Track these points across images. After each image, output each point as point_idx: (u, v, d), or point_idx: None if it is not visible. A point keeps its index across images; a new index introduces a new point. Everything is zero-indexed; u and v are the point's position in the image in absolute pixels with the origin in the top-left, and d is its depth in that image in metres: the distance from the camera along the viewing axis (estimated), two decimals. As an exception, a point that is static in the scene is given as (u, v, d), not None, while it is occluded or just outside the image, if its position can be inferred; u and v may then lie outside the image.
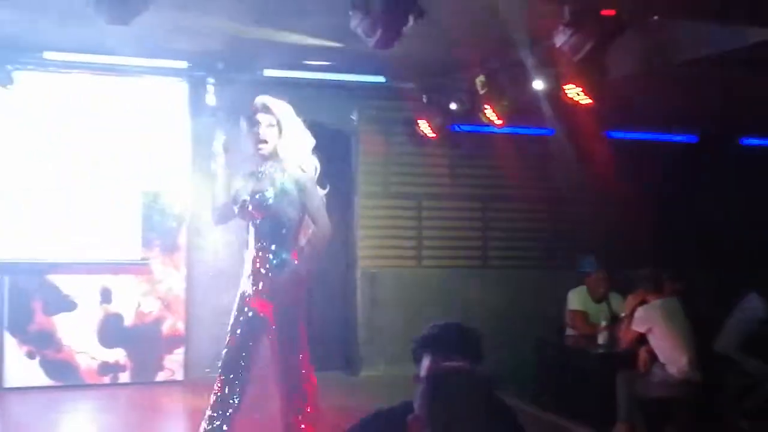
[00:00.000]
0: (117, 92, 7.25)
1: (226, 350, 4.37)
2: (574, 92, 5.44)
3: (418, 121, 7.79)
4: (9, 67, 6.53)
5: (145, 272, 7.36)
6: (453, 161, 8.35)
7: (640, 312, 5.78)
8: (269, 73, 7.36)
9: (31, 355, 6.99)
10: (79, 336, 7.13)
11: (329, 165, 7.94)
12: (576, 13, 4.33)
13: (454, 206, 8.38)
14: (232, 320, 4.37)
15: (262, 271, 4.16)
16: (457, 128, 7.86)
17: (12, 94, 6.72)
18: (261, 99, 4.32)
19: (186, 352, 7.50)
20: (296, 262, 4.18)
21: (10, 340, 6.95)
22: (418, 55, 6.37)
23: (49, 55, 6.72)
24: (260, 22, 6.08)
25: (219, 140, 4.42)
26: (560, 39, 4.45)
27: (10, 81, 6.61)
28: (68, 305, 7.12)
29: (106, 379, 7.23)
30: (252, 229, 4.21)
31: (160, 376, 7.39)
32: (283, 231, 4.15)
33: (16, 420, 6.38)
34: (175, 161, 7.47)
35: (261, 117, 4.24)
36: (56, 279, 7.10)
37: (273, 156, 4.21)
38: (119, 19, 3.94)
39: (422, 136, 7.90)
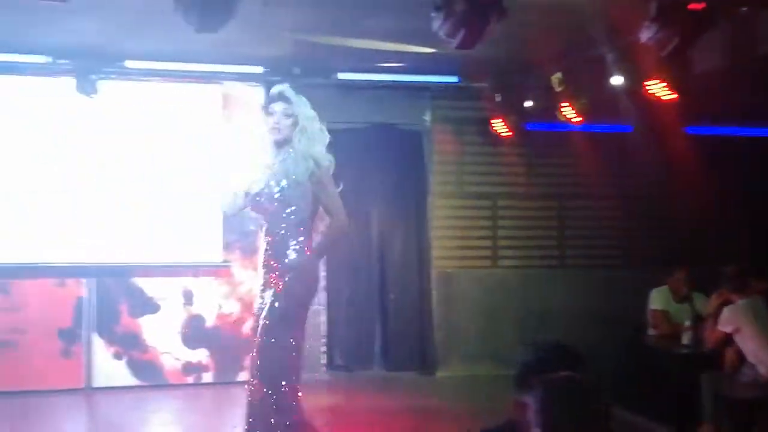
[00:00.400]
0: (195, 98, 7.42)
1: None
2: (658, 88, 5.33)
3: (492, 120, 7.76)
4: (93, 76, 6.73)
5: (226, 274, 7.51)
6: (528, 160, 8.27)
7: (726, 312, 5.64)
8: (343, 76, 7.42)
9: (118, 356, 7.22)
10: (163, 337, 7.33)
11: (402, 165, 8.10)
12: (663, 8, 4.23)
13: (530, 205, 8.31)
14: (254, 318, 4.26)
15: (273, 263, 4.04)
16: (531, 126, 7.80)
17: (95, 102, 6.93)
18: (278, 88, 4.24)
19: (265, 352, 7.60)
20: (308, 254, 4.06)
21: (98, 341, 7.19)
22: (493, 53, 6.35)
23: (130, 63, 6.91)
24: (335, 26, 6.16)
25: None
26: (646, 34, 4.35)
27: (95, 90, 6.81)
28: (152, 307, 7.32)
29: (190, 379, 7.41)
30: (265, 222, 4.14)
31: (242, 376, 7.52)
32: (294, 223, 4.03)
33: (106, 419, 6.60)
34: (252, 165, 7.58)
35: (277, 106, 4.16)
36: (141, 282, 7.31)
37: (287, 146, 4.14)
38: (208, 27, 4.02)
39: (496, 135, 7.86)
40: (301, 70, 7.16)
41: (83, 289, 7.15)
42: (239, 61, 7.08)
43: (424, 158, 8.13)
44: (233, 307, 7.54)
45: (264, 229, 4.12)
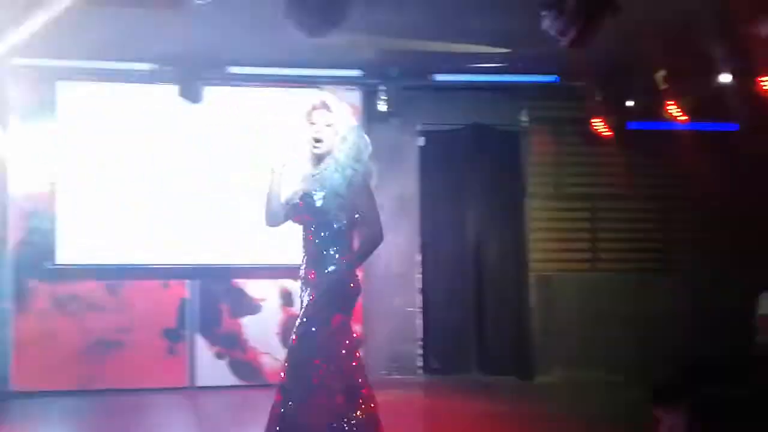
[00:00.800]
0: (293, 102, 7.51)
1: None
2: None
3: (592, 119, 7.59)
4: (198, 83, 6.89)
5: (323, 276, 7.56)
6: (629, 160, 8.00)
7: None
8: (440, 77, 7.39)
9: (220, 356, 7.38)
10: (262, 338, 7.45)
11: (499, 166, 8.00)
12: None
13: (631, 207, 8.06)
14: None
15: (310, 277, 3.93)
16: (633, 126, 7.58)
17: (199, 108, 7.10)
18: (321, 96, 4.06)
19: (362, 353, 7.63)
20: (348, 268, 3.93)
21: (201, 342, 7.37)
22: (593, 51, 6.20)
23: (233, 69, 7.05)
24: (432, 28, 6.13)
25: (281, 139, 4.13)
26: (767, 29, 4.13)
27: (199, 97, 6.97)
28: (253, 308, 7.46)
29: (288, 380, 7.50)
30: (304, 233, 3.99)
31: (338, 378, 7.58)
32: (333, 234, 3.91)
33: (209, 417, 6.75)
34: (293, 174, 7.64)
35: (318, 115, 3.99)
36: (241, 283, 7.46)
37: (328, 156, 3.97)
38: (318, 32, 4.04)
39: (596, 135, 7.68)
40: (398, 72, 7.16)
41: (186, 290, 7.35)
42: (337, 64, 7.13)
43: (522, 159, 8.01)
44: (330, 309, 7.59)
45: (303, 239, 3.98)
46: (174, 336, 7.32)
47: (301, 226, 3.99)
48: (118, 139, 7.14)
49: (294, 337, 3.93)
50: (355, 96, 7.60)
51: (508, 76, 7.56)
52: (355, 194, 3.91)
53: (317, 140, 3.95)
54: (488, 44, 6.50)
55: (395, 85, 7.26)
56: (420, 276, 7.92)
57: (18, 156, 7.15)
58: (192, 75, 6.84)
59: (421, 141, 7.92)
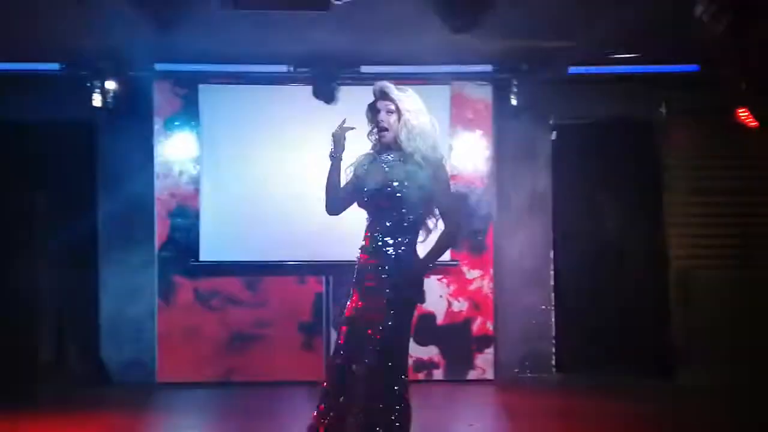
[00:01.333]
0: (422, 100, 7.51)
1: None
2: None
3: (737, 110, 7.22)
4: (333, 84, 6.99)
5: (455, 272, 7.56)
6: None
7: None
8: (573, 70, 7.21)
9: (353, 350, 7.49)
10: (395, 333, 7.49)
11: (636, 160, 7.74)
12: None
13: (779, 201, 7.65)
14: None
15: (375, 263, 3.88)
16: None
17: (332, 108, 7.20)
18: (379, 84, 4.03)
19: (495, 352, 7.60)
20: (414, 257, 3.91)
21: (334, 336, 7.48)
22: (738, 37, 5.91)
23: (365, 68, 7.13)
24: (563, 17, 5.99)
25: (341, 126, 4.08)
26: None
27: (335, 99, 7.05)
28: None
29: (421, 376, 7.54)
30: (371, 222, 3.95)
31: (472, 375, 7.56)
32: (406, 225, 3.89)
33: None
34: (478, 163, 7.62)
35: (380, 104, 3.97)
36: (374, 279, 7.53)
37: (394, 144, 3.95)
38: (464, 28, 4.03)
39: (741, 126, 7.30)
40: (530, 66, 7.04)
41: (321, 285, 7.49)
42: (468, 60, 7.09)
43: (660, 152, 7.70)
44: (462, 306, 7.58)
45: (369, 227, 3.96)
46: (310, 330, 7.49)
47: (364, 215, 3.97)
48: (257, 139, 7.33)
49: (351, 318, 3.92)
50: (486, 91, 7.56)
51: (645, 66, 7.30)
52: (437, 184, 3.89)
53: (381, 129, 3.95)
54: (621, 31, 6.29)
55: (527, 79, 7.14)
56: (553, 273, 7.77)
57: (163, 158, 7.50)
58: (327, 75, 6.95)
59: (553, 135, 7.76)
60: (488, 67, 7.29)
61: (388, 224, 3.89)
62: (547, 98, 7.48)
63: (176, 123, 7.51)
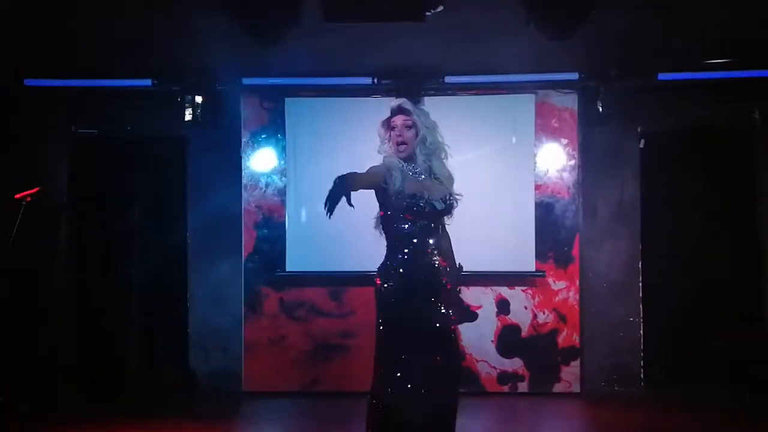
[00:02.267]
0: (505, 108, 7.47)
1: None
2: None
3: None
4: (417, 94, 6.98)
5: (541, 284, 7.46)
6: None
7: None
8: (662, 77, 7.04)
9: (437, 362, 7.45)
10: (478, 345, 7.44)
11: (729, 167, 7.48)
12: None
13: None
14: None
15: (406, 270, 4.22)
16: None
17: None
18: (397, 101, 4.31)
19: (582, 364, 7.45)
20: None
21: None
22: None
23: (450, 79, 7.12)
24: (655, 23, 5.88)
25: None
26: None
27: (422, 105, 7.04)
28: (469, 315, 7.44)
29: (506, 388, 7.45)
30: (402, 230, 4.24)
31: (557, 388, 7.43)
32: (432, 230, 4.25)
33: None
34: (563, 173, 7.50)
35: (398, 119, 4.23)
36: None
37: (409, 158, 4.23)
38: (562, 35, 4.03)
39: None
40: (619, 73, 6.91)
41: (404, 296, 7.47)
42: (555, 68, 7.01)
43: (753, 160, 7.43)
44: (548, 317, 7.47)
45: (399, 236, 4.25)
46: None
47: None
48: (341, 151, 7.37)
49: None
50: (572, 99, 7.45)
51: (737, 72, 7.07)
52: (447, 205, 4.25)
53: (400, 143, 4.20)
54: (715, 35, 6.13)
55: (615, 86, 7.00)
56: (642, 284, 7.57)
57: (250, 170, 7.64)
58: (410, 86, 6.97)
59: (642, 143, 7.57)
60: (575, 75, 7.18)
61: (423, 235, 4.21)
62: (636, 106, 7.32)
63: (263, 136, 7.64)
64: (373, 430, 4.24)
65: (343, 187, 3.97)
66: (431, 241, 4.25)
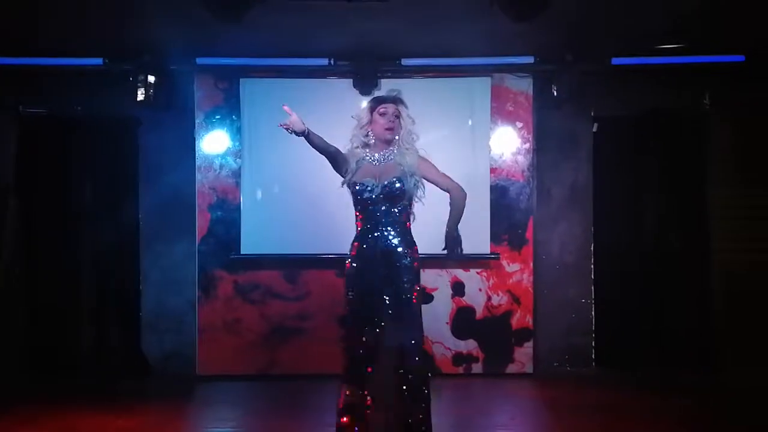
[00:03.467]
0: (461, 92, 7.49)
1: None
2: None
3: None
4: (373, 76, 6.98)
5: (495, 266, 7.53)
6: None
7: None
8: (616, 61, 7.11)
9: (393, 344, 7.48)
10: (434, 327, 7.47)
11: (680, 153, 7.60)
12: None
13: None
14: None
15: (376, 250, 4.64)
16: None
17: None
18: (395, 91, 4.78)
19: (535, 345, 7.55)
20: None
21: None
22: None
23: (406, 61, 7.10)
24: (610, 7, 5.93)
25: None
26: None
27: (374, 91, 7.00)
28: (425, 298, 7.49)
29: (460, 369, 7.52)
30: (368, 212, 4.67)
31: (511, 368, 7.52)
32: (403, 212, 4.68)
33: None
34: (518, 156, 7.56)
35: (389, 107, 4.67)
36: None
37: (390, 143, 4.69)
38: (527, 16, 4.09)
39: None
40: (574, 57, 6.96)
41: (360, 279, 7.47)
42: (509, 51, 7.03)
43: (705, 146, 7.55)
44: (502, 299, 7.54)
45: (369, 216, 4.67)
46: (348, 324, 7.48)
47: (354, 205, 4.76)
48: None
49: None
50: (527, 83, 7.50)
51: (690, 57, 7.18)
52: (424, 170, 4.68)
53: (389, 128, 4.65)
54: (668, 20, 6.20)
55: (570, 70, 7.05)
56: (594, 266, 7.69)
57: (203, 152, 7.54)
58: (367, 68, 6.94)
59: (595, 127, 7.66)
60: (530, 59, 7.23)
61: (393, 210, 4.65)
62: (589, 90, 7.37)
63: (217, 117, 7.56)
64: (347, 379, 4.70)
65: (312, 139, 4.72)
66: (389, 222, 4.65)
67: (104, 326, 7.62)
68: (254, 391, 7.18)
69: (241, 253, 7.47)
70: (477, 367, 7.53)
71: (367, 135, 4.73)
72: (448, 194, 4.79)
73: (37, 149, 7.56)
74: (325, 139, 4.72)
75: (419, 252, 4.78)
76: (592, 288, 7.66)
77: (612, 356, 7.64)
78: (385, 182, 4.62)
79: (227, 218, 7.54)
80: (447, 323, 7.53)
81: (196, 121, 7.53)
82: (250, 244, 7.46)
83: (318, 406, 6.40)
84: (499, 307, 7.54)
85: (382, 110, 4.67)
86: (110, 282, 7.64)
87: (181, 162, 7.55)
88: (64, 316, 7.52)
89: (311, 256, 7.46)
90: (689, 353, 7.50)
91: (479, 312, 7.54)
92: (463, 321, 7.53)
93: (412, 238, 4.75)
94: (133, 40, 6.80)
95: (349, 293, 4.71)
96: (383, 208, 4.65)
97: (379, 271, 4.62)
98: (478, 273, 7.53)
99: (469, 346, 7.53)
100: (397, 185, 4.62)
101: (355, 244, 4.73)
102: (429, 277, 7.42)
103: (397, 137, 4.67)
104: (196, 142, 7.54)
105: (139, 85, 7.05)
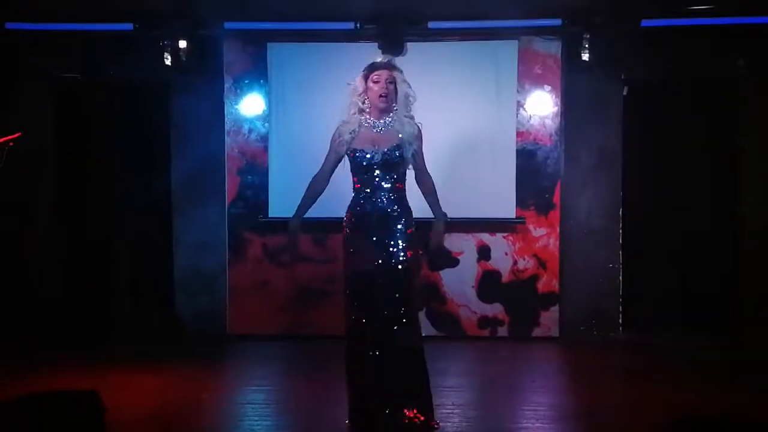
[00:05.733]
0: (487, 55, 7.43)
1: None
2: None
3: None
4: (399, 39, 6.95)
5: (521, 230, 7.53)
6: None
7: None
8: (648, 23, 6.98)
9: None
10: (460, 290, 7.55)
11: (713, 118, 7.47)
12: None
13: None
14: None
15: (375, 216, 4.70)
16: None
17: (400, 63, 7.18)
18: (385, 57, 4.76)
19: (561, 310, 7.57)
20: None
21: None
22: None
23: (433, 24, 7.07)
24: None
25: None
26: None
27: (401, 53, 6.99)
28: (451, 261, 7.55)
29: (486, 332, 7.58)
30: (365, 178, 4.70)
31: (536, 332, 7.56)
32: (398, 180, 4.70)
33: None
34: (546, 120, 7.51)
35: (384, 73, 4.61)
36: (440, 236, 7.55)
37: (386, 111, 4.64)
38: None
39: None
40: (603, 20, 6.86)
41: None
42: (538, 14, 6.96)
43: (737, 110, 7.40)
44: (528, 264, 7.55)
45: (367, 183, 4.71)
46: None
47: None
48: (324, 97, 7.33)
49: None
50: (555, 46, 7.42)
51: (723, 18, 7.01)
52: (418, 144, 4.70)
53: (382, 96, 4.59)
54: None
55: (599, 32, 6.96)
56: (622, 232, 7.65)
57: (233, 116, 7.63)
58: (393, 32, 6.93)
59: (625, 91, 7.55)
60: (558, 21, 7.14)
61: (388, 177, 4.66)
62: (620, 53, 7.27)
63: (246, 81, 7.61)
64: (350, 349, 4.94)
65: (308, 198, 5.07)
66: (385, 188, 4.69)
67: (138, 288, 7.82)
68: (283, 351, 7.34)
69: (270, 216, 7.58)
70: (502, 331, 7.58)
71: (363, 102, 4.70)
72: (421, 187, 4.89)
73: (71, 114, 7.72)
74: None
75: (415, 217, 4.86)
76: (620, 252, 7.63)
77: (640, 321, 7.63)
78: (385, 149, 4.64)
79: (256, 182, 7.64)
80: (473, 287, 7.58)
81: (225, 85, 7.60)
82: (278, 207, 7.54)
83: (344, 368, 6.51)
84: (525, 271, 7.56)
85: (375, 77, 4.64)
86: (144, 245, 7.82)
87: (211, 126, 7.65)
88: (100, 279, 7.73)
89: (339, 219, 7.50)
90: (718, 318, 7.45)
91: (505, 276, 7.57)
92: (488, 285, 7.57)
93: (408, 204, 4.79)
94: (163, 5, 6.87)
95: (350, 251, 4.84)
96: (381, 174, 4.68)
97: (374, 233, 4.68)
98: (504, 237, 7.54)
99: (494, 309, 7.58)
100: (397, 153, 4.65)
101: (351, 209, 4.81)
102: (455, 241, 7.46)
103: (394, 104, 4.65)
104: (226, 106, 7.62)
105: (168, 49, 7.14)
